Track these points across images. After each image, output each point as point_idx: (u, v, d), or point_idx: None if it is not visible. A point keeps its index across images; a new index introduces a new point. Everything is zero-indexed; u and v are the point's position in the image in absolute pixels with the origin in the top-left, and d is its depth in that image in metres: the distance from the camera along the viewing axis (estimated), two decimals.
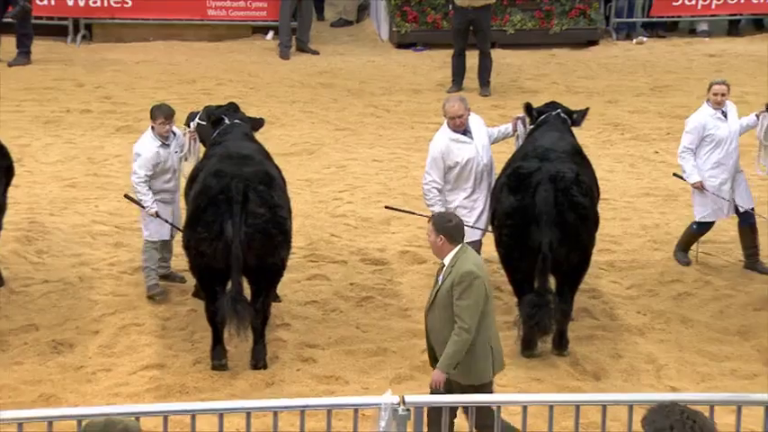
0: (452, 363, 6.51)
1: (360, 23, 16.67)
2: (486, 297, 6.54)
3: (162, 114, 8.76)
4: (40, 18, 14.52)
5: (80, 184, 11.04)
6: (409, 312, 8.89)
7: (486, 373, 6.62)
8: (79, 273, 9.28)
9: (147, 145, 8.73)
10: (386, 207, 9.13)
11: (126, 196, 9.05)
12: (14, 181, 9.09)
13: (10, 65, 13.96)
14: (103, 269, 9.37)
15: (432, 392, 6.54)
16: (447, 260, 6.61)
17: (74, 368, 7.93)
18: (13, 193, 9.16)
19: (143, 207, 8.73)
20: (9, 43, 14.10)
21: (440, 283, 6.62)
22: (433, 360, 6.71)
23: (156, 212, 8.71)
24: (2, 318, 8.51)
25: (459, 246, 6.62)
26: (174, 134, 8.86)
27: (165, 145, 8.75)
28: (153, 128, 8.80)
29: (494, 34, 14.63)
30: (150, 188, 8.74)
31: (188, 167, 8.84)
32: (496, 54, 14.47)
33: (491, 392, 6.63)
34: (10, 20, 13.94)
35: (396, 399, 5.51)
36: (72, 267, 9.36)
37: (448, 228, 6.61)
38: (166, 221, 8.78)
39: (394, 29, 15.69)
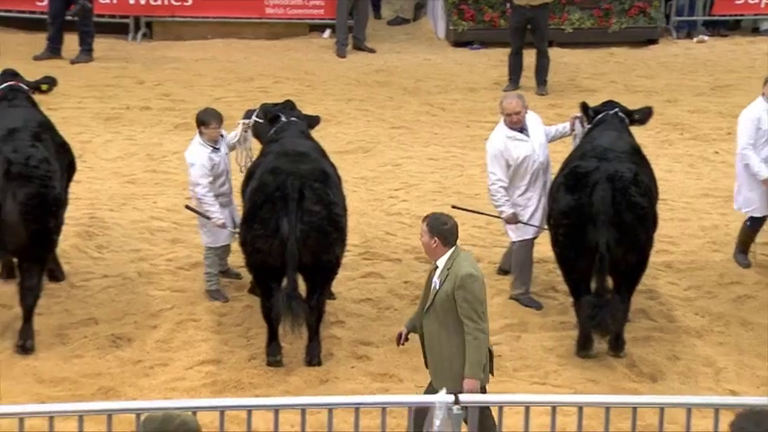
0: (480, 366, 6.50)
1: (416, 22, 16.64)
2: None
3: (215, 119, 8.74)
4: (102, 16, 14.69)
5: (139, 181, 11.14)
6: None
7: (485, 378, 6.61)
8: (138, 268, 9.37)
9: (198, 152, 8.67)
10: (453, 207, 9.14)
11: (187, 207, 9.03)
12: (76, 177, 9.19)
13: (72, 62, 14.13)
14: (161, 265, 9.46)
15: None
16: (441, 262, 6.59)
17: (132, 362, 8.01)
18: (74, 188, 9.27)
19: (208, 218, 8.70)
20: (71, 41, 14.28)
21: (437, 286, 6.58)
22: (427, 363, 6.67)
23: (224, 224, 8.68)
24: (63, 311, 8.62)
25: (453, 248, 6.60)
26: (222, 136, 8.87)
27: (215, 149, 8.74)
28: (201, 133, 8.72)
29: (551, 33, 14.51)
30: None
31: (241, 159, 8.86)
32: (554, 53, 14.36)
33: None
34: (72, 18, 14.12)
35: (450, 398, 5.49)
36: (131, 263, 9.45)
37: (443, 230, 6.61)
38: (231, 231, 8.73)
39: (451, 27, 15.64)
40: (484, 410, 6.12)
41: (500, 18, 15.33)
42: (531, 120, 8.86)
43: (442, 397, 5.41)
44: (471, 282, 6.48)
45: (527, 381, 7.95)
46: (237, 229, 8.67)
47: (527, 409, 5.83)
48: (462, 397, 5.54)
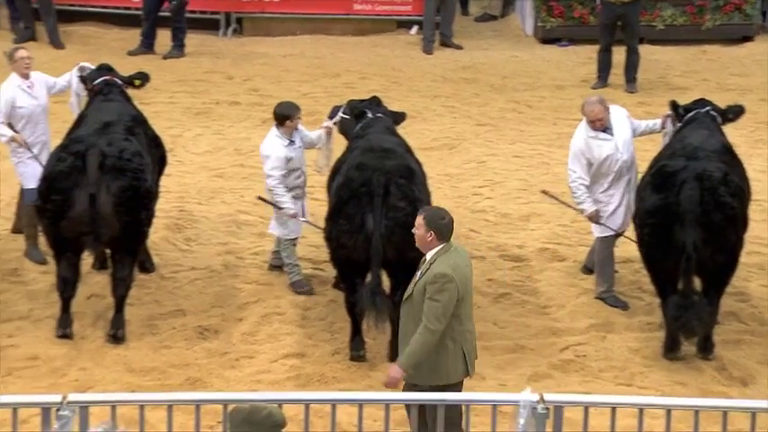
0: (412, 361, 6.44)
1: (504, 18, 16.54)
2: (458, 300, 6.41)
3: (298, 112, 8.81)
4: (194, 12, 14.89)
5: (227, 175, 11.27)
6: (547, 310, 8.77)
7: (456, 374, 6.53)
8: (225, 261, 9.48)
9: (275, 145, 8.75)
10: (542, 192, 9.09)
11: (259, 198, 9.15)
12: (166, 170, 9.33)
13: (165, 57, 14.35)
14: (248, 258, 9.55)
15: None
16: (429, 255, 6.54)
17: (219, 354, 8.10)
18: (164, 181, 9.41)
19: (280, 209, 8.80)
20: (164, 36, 14.50)
21: (418, 277, 6.55)
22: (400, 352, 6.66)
23: (295, 214, 8.78)
24: (152, 302, 8.76)
25: (444, 244, 6.52)
26: (298, 129, 8.93)
27: (291, 142, 8.80)
28: (280, 126, 8.78)
29: (642, 29, 14.29)
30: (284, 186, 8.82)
31: (320, 161, 8.92)
32: (644, 50, 14.13)
33: (458, 392, 6.50)
34: (166, 14, 14.34)
35: (535, 397, 5.44)
36: (218, 255, 9.56)
37: (440, 225, 6.53)
38: (306, 221, 8.82)
39: (539, 24, 15.50)
40: (454, 409, 6.06)
41: (590, 15, 15.15)
42: (617, 116, 8.77)
43: (527, 396, 5.36)
44: (442, 282, 6.39)
45: (612, 382, 7.85)
46: (307, 219, 8.73)
47: (613, 410, 5.75)
48: (547, 396, 5.48)
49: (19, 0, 14.32)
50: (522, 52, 15.27)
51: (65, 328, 8.12)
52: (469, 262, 6.70)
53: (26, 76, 8.97)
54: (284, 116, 8.81)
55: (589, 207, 8.67)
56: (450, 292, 6.38)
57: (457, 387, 6.57)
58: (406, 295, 6.62)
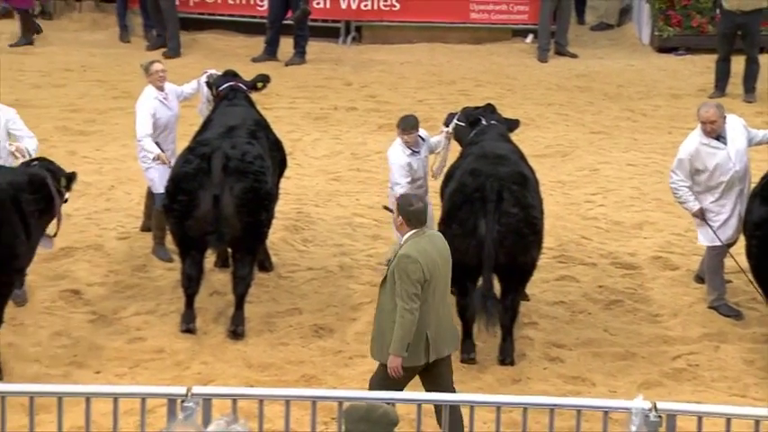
0: (402, 344, 6.55)
1: (620, 27, 16.30)
2: (425, 282, 6.49)
3: (413, 127, 8.81)
4: (316, 21, 15.09)
5: (343, 178, 11.38)
6: (659, 318, 8.63)
7: (415, 357, 6.57)
8: (340, 262, 9.58)
9: (398, 155, 8.79)
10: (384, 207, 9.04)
11: (385, 207, 9.18)
12: (286, 173, 9.48)
13: (286, 64, 14.57)
14: (362, 260, 9.63)
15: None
16: (402, 240, 6.69)
17: (333, 352, 8.19)
18: (284, 184, 9.56)
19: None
20: (287, 44, 14.74)
21: (391, 262, 6.68)
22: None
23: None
24: (270, 300, 8.90)
25: (416, 230, 6.62)
26: (423, 139, 8.95)
27: (415, 152, 8.84)
28: (401, 137, 8.81)
29: (763, 39, 13.91)
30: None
31: (437, 166, 8.93)
32: (764, 59, 13.76)
33: (406, 380, 6.58)
34: (290, 22, 14.57)
35: (648, 404, 5.35)
36: (333, 257, 9.67)
37: (408, 211, 6.64)
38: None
39: (656, 33, 15.23)
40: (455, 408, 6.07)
41: (708, 24, 14.82)
42: (732, 126, 8.56)
43: (639, 403, 5.29)
44: (406, 262, 6.50)
45: (726, 392, 7.67)
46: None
47: (728, 421, 5.62)
48: (660, 404, 5.39)
49: (152, 8, 14.70)
50: (638, 61, 15.04)
51: (188, 324, 8.32)
52: (444, 250, 6.76)
53: (161, 88, 9.24)
54: (400, 128, 8.82)
55: (694, 205, 8.51)
56: (415, 271, 6.50)
57: (407, 371, 6.60)
58: (382, 279, 6.80)
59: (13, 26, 15.29)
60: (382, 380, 6.62)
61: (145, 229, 9.74)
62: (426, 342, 6.62)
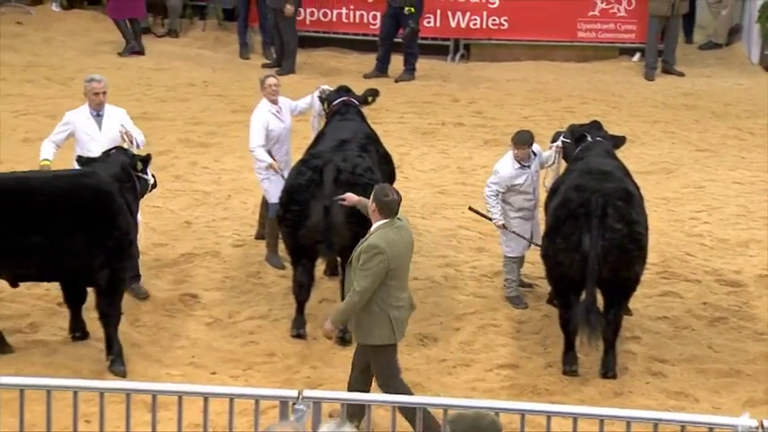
0: (340, 318, 6.98)
1: (729, 46, 15.91)
2: (387, 271, 6.74)
3: (524, 142, 8.77)
4: (425, 39, 15.14)
5: (449, 192, 11.38)
6: (765, 336, 8.39)
7: (386, 338, 6.89)
8: (445, 273, 9.58)
9: (505, 164, 8.80)
10: (469, 208, 9.02)
11: (470, 208, 9.18)
12: (394, 185, 9.48)
13: (396, 80, 14.66)
14: (466, 271, 9.61)
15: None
16: (373, 227, 6.88)
17: (437, 360, 8.19)
18: None
19: (489, 219, 8.82)
20: (397, 61, 14.82)
21: (360, 243, 6.91)
22: None
23: (503, 225, 8.77)
24: None
25: (387, 220, 6.83)
26: (535, 154, 8.90)
27: (524, 167, 8.79)
28: (513, 150, 8.81)
29: None
30: (511, 206, 8.80)
31: (549, 181, 8.87)
32: None
33: (393, 357, 6.95)
34: (400, 40, 14.67)
35: (754, 422, 5.20)
36: (438, 267, 9.67)
37: (382, 201, 6.87)
38: (524, 237, 8.81)
39: (766, 52, 14.83)
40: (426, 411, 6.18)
41: None
42: None
43: (745, 421, 5.14)
44: (372, 252, 6.74)
45: None
46: (535, 241, 8.70)
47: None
48: (766, 422, 5.23)
49: (272, 27, 14.94)
50: (747, 80, 14.66)
51: (299, 329, 8.42)
52: (410, 241, 6.99)
53: (275, 102, 9.40)
54: (513, 142, 8.79)
55: None
56: (379, 262, 6.73)
57: (387, 350, 6.92)
58: (350, 259, 6.97)
59: (151, 42, 15.71)
60: (380, 365, 6.93)
61: (259, 237, 9.91)
62: (390, 322, 6.89)
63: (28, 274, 7.83)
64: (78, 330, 8.23)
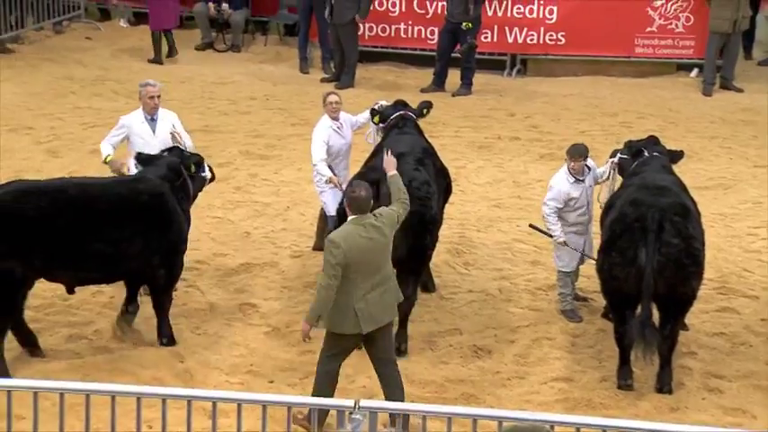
0: (313, 315, 7.01)
1: None
2: (346, 265, 6.83)
3: (580, 155, 8.72)
4: (482, 53, 15.13)
5: (504, 205, 11.34)
6: None
7: (346, 327, 6.98)
8: (499, 285, 9.53)
9: (560, 179, 8.75)
10: (530, 225, 8.82)
11: (531, 226, 9.13)
12: (450, 198, 9.52)
13: (453, 95, 14.66)
14: (521, 284, 9.56)
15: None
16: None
17: (491, 372, 8.15)
18: (447, 209, 9.59)
19: (551, 236, 8.77)
20: (454, 75, 14.83)
21: None
22: None
23: (564, 242, 8.72)
24: (431, 321, 8.94)
25: (356, 216, 6.95)
26: (589, 168, 8.84)
27: (578, 181, 8.74)
28: (567, 164, 8.75)
29: None
30: (566, 221, 8.75)
31: (603, 196, 8.81)
32: None
33: (348, 345, 7.09)
34: (458, 55, 14.67)
35: None
36: (493, 280, 9.63)
37: (349, 196, 7.03)
38: (579, 251, 8.76)
39: None
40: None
41: None
42: None
43: None
44: (328, 246, 6.88)
45: None
46: (588, 255, 8.63)
47: None
48: None
49: (334, 42, 15.01)
50: None
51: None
52: (376, 236, 6.96)
53: (336, 118, 9.46)
54: (569, 155, 8.75)
55: None
56: (334, 255, 6.82)
57: (352, 339, 7.06)
58: None
59: (213, 57, 15.91)
60: (326, 347, 7.12)
61: (317, 248, 9.94)
62: (355, 315, 6.96)
63: (89, 279, 8.03)
64: (132, 305, 8.42)
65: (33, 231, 7.56)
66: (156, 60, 15.45)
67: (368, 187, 7.15)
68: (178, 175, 8.31)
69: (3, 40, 15.37)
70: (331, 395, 7.06)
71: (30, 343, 8.11)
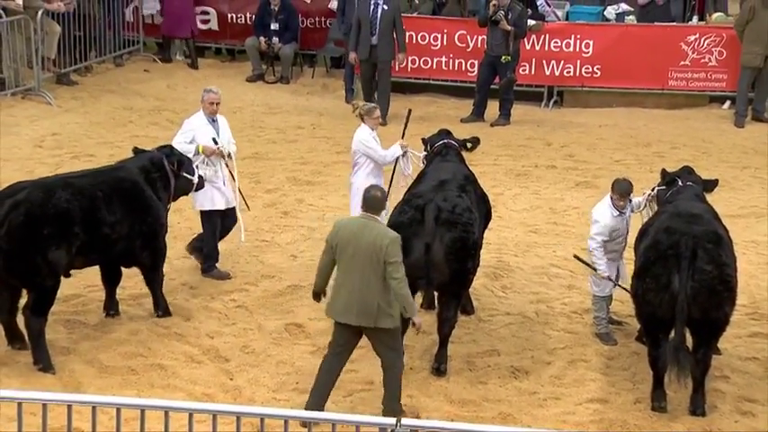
0: (409, 307, 7.37)
1: None
2: (334, 246, 7.28)
3: (628, 193, 8.62)
4: (520, 85, 15.11)
5: (541, 231, 11.29)
6: None
7: (337, 313, 7.41)
8: (536, 309, 9.48)
9: (604, 213, 8.67)
10: (575, 257, 8.71)
11: (576, 257, 9.05)
12: (489, 224, 9.50)
13: (492, 125, 14.66)
14: (557, 307, 9.51)
15: None
16: None
17: (528, 393, 8.10)
18: (487, 235, 9.57)
19: (595, 270, 8.71)
20: (493, 106, 14.83)
21: None
22: None
23: (609, 276, 8.65)
24: (471, 342, 8.90)
25: (366, 213, 7.30)
26: (630, 201, 8.78)
27: (621, 213, 8.69)
28: (611, 198, 8.70)
29: None
30: (604, 248, 8.70)
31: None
32: None
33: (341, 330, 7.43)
34: (496, 87, 14.67)
35: None
36: (530, 303, 9.58)
37: (364, 196, 7.37)
38: (616, 284, 8.70)
39: None
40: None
41: None
42: None
43: None
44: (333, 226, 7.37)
45: None
46: (621, 283, 8.57)
47: None
48: None
49: (364, 82, 14.90)
50: None
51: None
52: (370, 240, 7.19)
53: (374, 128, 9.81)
54: (615, 191, 8.65)
55: None
56: (330, 234, 7.36)
57: (341, 326, 7.40)
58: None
59: (263, 88, 16.03)
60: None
61: None
62: (343, 301, 7.32)
63: (91, 262, 8.53)
64: (112, 309, 8.98)
65: (73, 221, 8.07)
66: (166, 59, 16.28)
67: (384, 191, 7.61)
68: (158, 169, 8.84)
69: (67, 73, 15.65)
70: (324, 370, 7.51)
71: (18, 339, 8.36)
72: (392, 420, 5.48)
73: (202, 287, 9.63)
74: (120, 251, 8.52)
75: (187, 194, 9.28)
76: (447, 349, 8.40)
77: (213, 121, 9.67)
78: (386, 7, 13.87)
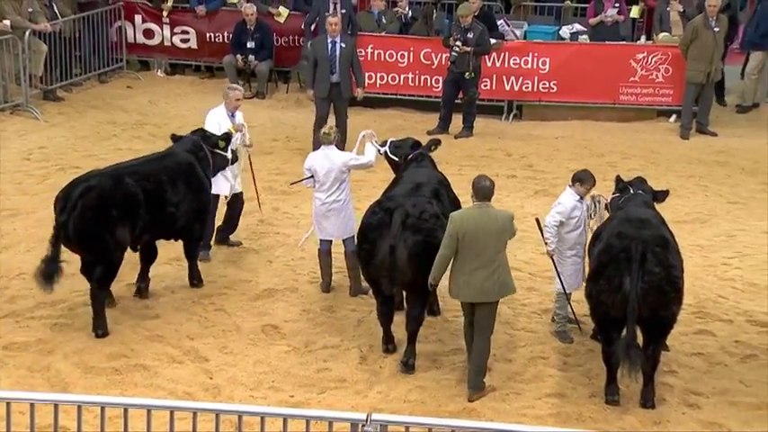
0: (433, 274, 7.87)
1: (758, 109, 15.68)
2: (457, 239, 7.63)
3: (582, 178, 8.76)
4: (482, 100, 15.19)
5: None
6: None
7: (452, 293, 7.88)
8: (498, 310, 9.48)
9: (566, 197, 8.79)
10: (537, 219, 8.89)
11: (537, 220, 8.97)
12: None
13: (456, 137, 14.72)
14: (518, 308, 9.54)
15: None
16: None
17: (490, 389, 8.13)
18: None
19: (546, 243, 8.73)
20: (457, 119, 14.89)
21: None
22: None
23: (552, 251, 8.66)
24: (436, 341, 8.90)
25: (478, 203, 7.70)
26: (596, 199, 8.87)
27: (581, 200, 8.77)
28: (575, 190, 8.79)
29: None
30: (566, 242, 8.72)
31: (593, 224, 8.82)
32: None
33: (465, 310, 7.89)
34: (460, 102, 14.74)
35: None
36: None
37: (476, 187, 7.65)
38: (555, 268, 8.75)
39: None
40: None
41: None
42: None
43: None
44: (449, 220, 7.69)
45: None
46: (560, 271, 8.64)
47: None
48: None
49: (319, 119, 13.67)
50: None
51: (387, 344, 8.57)
52: (491, 224, 7.65)
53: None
54: (577, 179, 8.77)
55: None
56: (450, 229, 7.66)
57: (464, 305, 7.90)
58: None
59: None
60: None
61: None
62: (458, 283, 7.67)
63: (159, 236, 9.09)
64: (143, 282, 9.27)
65: (138, 204, 8.60)
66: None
67: (491, 179, 7.80)
68: (200, 149, 9.33)
69: (54, 90, 15.53)
70: (470, 342, 7.84)
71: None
72: (362, 416, 5.48)
73: (183, 291, 9.59)
74: (180, 227, 9.03)
75: (223, 170, 9.70)
76: (415, 345, 8.41)
77: (232, 116, 10.17)
78: (343, 45, 13.62)
